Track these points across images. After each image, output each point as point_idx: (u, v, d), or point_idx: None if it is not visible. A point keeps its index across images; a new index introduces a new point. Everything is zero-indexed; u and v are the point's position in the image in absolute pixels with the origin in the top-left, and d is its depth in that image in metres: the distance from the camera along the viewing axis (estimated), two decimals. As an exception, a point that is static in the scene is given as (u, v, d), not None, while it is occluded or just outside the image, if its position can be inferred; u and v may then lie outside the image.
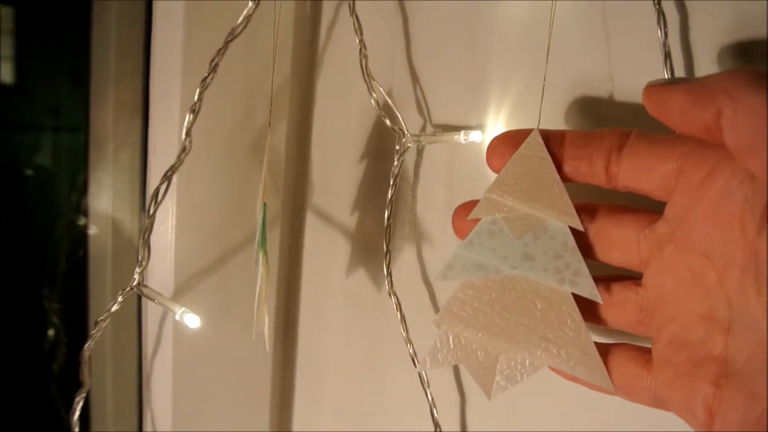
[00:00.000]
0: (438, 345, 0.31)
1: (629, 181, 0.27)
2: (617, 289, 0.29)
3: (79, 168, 0.67)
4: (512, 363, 0.30)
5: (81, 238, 0.66)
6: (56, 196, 0.74)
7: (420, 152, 0.45)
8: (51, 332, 0.69)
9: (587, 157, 0.28)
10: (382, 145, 0.47)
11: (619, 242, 0.29)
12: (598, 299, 0.28)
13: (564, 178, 0.29)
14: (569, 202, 0.29)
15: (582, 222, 0.29)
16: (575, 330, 0.29)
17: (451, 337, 0.30)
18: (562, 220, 0.29)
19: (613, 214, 0.29)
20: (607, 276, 0.31)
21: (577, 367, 0.28)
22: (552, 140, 0.29)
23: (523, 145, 0.30)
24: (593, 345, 0.28)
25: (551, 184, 0.29)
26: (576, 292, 0.29)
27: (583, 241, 0.29)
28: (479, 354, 0.30)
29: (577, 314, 0.29)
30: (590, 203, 0.30)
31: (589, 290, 0.28)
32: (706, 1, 0.32)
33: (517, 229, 0.29)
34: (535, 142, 0.29)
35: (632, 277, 0.30)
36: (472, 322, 0.30)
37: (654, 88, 0.26)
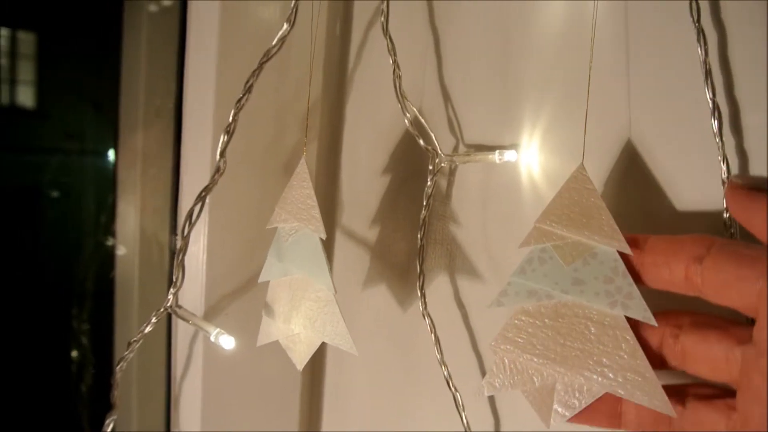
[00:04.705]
0: (495, 370, 0.31)
1: (713, 296, 0.26)
2: (705, 409, 0.27)
3: (103, 190, 0.68)
4: (569, 389, 0.30)
5: (107, 259, 0.66)
6: (80, 218, 0.74)
7: (452, 172, 0.44)
8: (77, 352, 0.69)
9: (666, 265, 0.27)
10: (412, 165, 0.47)
11: (706, 359, 0.27)
12: (653, 321, 0.28)
13: (646, 284, 0.29)
14: (616, 228, 0.29)
15: (669, 335, 0.28)
16: (630, 354, 0.28)
17: (507, 362, 0.31)
18: (610, 245, 0.29)
19: (699, 328, 0.28)
20: (697, 391, 0.29)
21: (635, 392, 0.28)
22: (633, 245, 0.29)
23: (569, 179, 0.31)
24: (650, 368, 0.28)
25: (598, 213, 0.30)
26: (629, 315, 0.29)
27: (671, 354, 0.29)
28: (535, 380, 0.30)
29: (631, 337, 0.28)
30: (675, 311, 0.29)
31: (643, 313, 0.28)
32: (743, 18, 0.32)
33: (567, 256, 0.30)
34: (580, 175, 0.31)
35: (724, 393, 0.28)
36: (527, 347, 0.31)
37: (738, 190, 0.25)
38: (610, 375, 0.28)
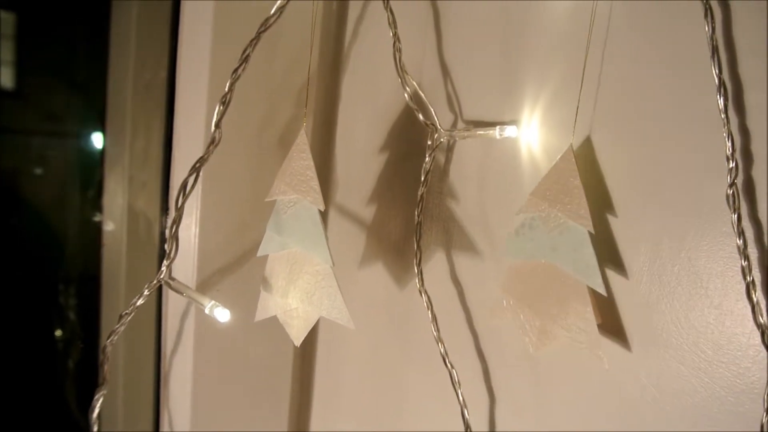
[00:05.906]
0: (497, 306, 0.39)
1: None
2: None
3: (91, 167, 0.66)
4: (541, 330, 0.37)
5: (93, 236, 0.65)
6: (67, 195, 0.73)
7: (450, 148, 0.44)
8: (64, 327, 0.68)
9: None
10: (408, 142, 0.46)
11: None
12: (603, 291, 0.33)
13: None
14: (586, 208, 0.34)
15: None
16: (582, 310, 0.34)
17: (505, 301, 0.38)
18: (580, 223, 0.34)
19: None
20: None
21: (580, 341, 0.35)
22: None
23: (559, 158, 0.35)
24: (594, 324, 0.34)
25: (575, 192, 0.34)
26: (586, 283, 0.34)
27: None
28: (521, 317, 0.37)
29: (585, 297, 0.34)
30: None
31: (597, 283, 0.33)
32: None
33: (547, 225, 0.36)
34: (569, 155, 0.34)
35: None
36: (514, 292, 0.38)
37: None
38: (565, 324, 0.35)
